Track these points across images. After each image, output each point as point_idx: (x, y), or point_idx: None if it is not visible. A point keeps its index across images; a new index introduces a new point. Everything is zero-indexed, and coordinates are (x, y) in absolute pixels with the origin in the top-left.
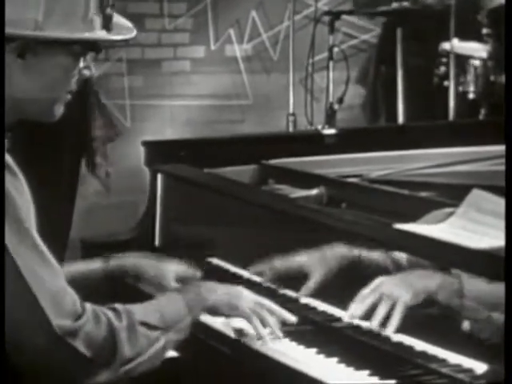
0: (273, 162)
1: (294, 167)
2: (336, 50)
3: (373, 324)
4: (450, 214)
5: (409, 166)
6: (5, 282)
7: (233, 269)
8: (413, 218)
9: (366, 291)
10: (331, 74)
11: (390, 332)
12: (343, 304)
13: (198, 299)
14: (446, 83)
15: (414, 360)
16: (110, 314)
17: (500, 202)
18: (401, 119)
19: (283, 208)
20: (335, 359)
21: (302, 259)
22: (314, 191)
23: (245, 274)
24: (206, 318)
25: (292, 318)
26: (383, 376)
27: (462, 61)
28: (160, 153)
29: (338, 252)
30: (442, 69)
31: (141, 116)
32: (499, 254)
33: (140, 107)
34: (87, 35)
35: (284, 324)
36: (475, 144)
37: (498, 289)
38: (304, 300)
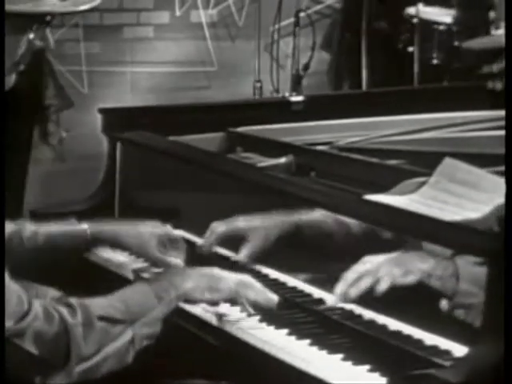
0: (240, 129)
1: (262, 135)
2: (302, 15)
3: (352, 292)
4: (422, 184)
5: (377, 133)
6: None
7: (200, 241)
8: (383, 187)
9: (353, 268)
10: (297, 41)
11: (377, 292)
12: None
13: (169, 288)
14: (410, 49)
15: (389, 341)
16: (64, 310)
17: (473, 172)
18: (364, 86)
19: (251, 177)
20: (307, 341)
21: (241, 223)
22: (283, 159)
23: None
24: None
25: (275, 298)
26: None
27: (427, 26)
28: (120, 120)
29: (277, 217)
30: (407, 34)
31: (99, 82)
32: (473, 227)
33: (98, 74)
34: (31, 7)
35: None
36: (440, 110)
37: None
38: (274, 276)
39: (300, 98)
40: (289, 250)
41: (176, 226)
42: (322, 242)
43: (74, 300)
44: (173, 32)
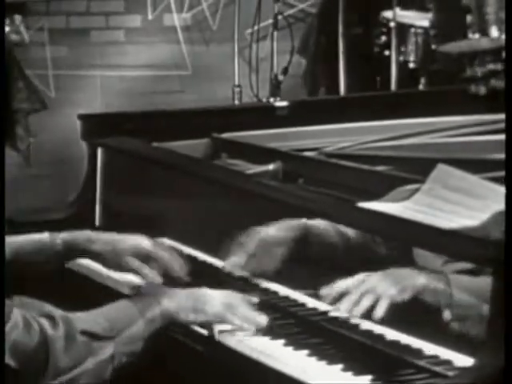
0: (225, 135)
1: (247, 141)
2: (279, 18)
3: (354, 314)
4: (415, 191)
5: (364, 139)
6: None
7: (186, 250)
8: (374, 194)
9: (347, 284)
10: (275, 44)
11: (374, 322)
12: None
13: (153, 307)
14: (386, 53)
15: (389, 352)
16: (45, 321)
17: (466, 178)
18: (342, 90)
19: (239, 184)
20: (305, 351)
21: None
22: (271, 166)
23: (199, 255)
24: None
25: (264, 320)
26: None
27: (403, 30)
28: (100, 126)
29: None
30: (383, 38)
31: (67, 86)
32: (470, 234)
33: (65, 77)
34: None
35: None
36: (423, 115)
37: (486, 282)
38: (266, 285)
39: (284, 104)
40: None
41: (160, 234)
42: (325, 253)
43: (56, 312)
44: (145, 36)
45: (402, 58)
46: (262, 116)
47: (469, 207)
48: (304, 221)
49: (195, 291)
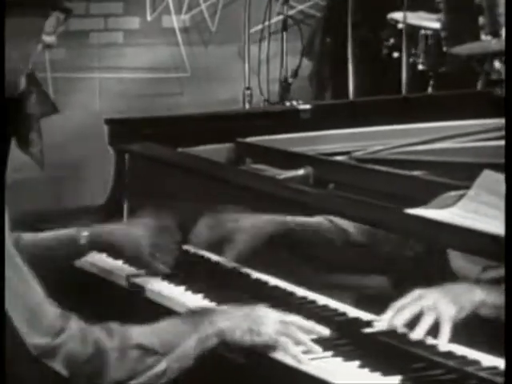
0: (249, 139)
1: (271, 145)
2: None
3: (416, 335)
4: (460, 197)
5: (395, 143)
6: (4, 285)
7: (214, 257)
8: (410, 199)
9: (405, 301)
10: (284, 45)
11: (441, 348)
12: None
13: (207, 325)
14: (395, 54)
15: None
16: (100, 332)
17: None
18: (351, 93)
19: (271, 190)
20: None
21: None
22: (301, 171)
23: (229, 264)
24: None
25: (325, 331)
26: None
27: (412, 31)
28: (125, 131)
29: (270, 218)
30: (391, 40)
31: (65, 89)
32: None
33: (64, 80)
34: None
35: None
36: (450, 118)
37: None
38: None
39: (308, 107)
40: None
41: (186, 241)
42: (318, 248)
43: (112, 325)
44: (144, 37)
45: (411, 60)
46: (286, 119)
47: None
48: (287, 218)
49: (252, 312)
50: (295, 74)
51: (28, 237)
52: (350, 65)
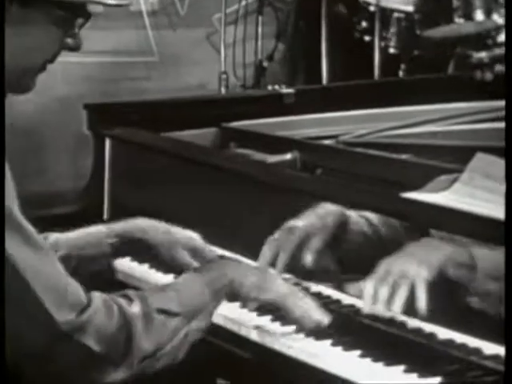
0: (234, 124)
1: (255, 129)
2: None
3: (395, 310)
4: (453, 181)
5: (381, 126)
6: (4, 281)
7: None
8: (402, 184)
9: (376, 280)
10: (260, 30)
11: (421, 315)
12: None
13: (223, 280)
14: (366, 38)
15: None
16: (122, 301)
17: None
18: (325, 77)
19: (259, 174)
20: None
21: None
22: (288, 156)
23: (218, 251)
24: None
25: (326, 320)
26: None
27: (384, 14)
28: (107, 116)
29: (330, 208)
30: (363, 23)
31: None
32: None
33: None
34: None
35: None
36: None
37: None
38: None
39: (291, 91)
40: None
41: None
42: (358, 242)
43: (129, 292)
44: (110, 21)
45: (383, 44)
46: (269, 104)
47: None
48: (340, 208)
49: (263, 270)
50: (271, 57)
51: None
52: (323, 48)
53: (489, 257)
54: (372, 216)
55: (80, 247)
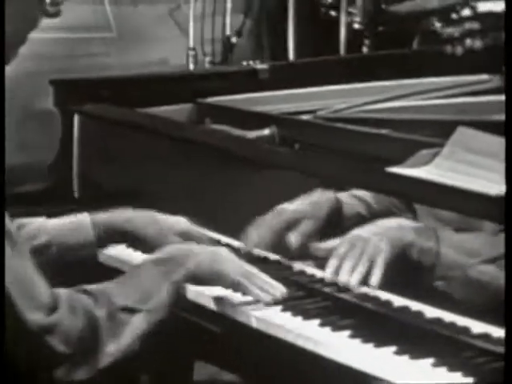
0: (210, 100)
1: (231, 105)
2: None
3: (352, 281)
4: (434, 156)
5: (358, 101)
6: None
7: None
8: (382, 159)
9: (342, 248)
10: (229, 5)
11: (373, 287)
12: None
13: (177, 269)
14: (333, 13)
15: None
16: (86, 300)
17: (493, 141)
18: (292, 53)
19: (239, 149)
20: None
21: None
22: (266, 131)
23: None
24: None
25: (283, 289)
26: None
27: None
28: (76, 92)
29: (324, 195)
30: None
31: None
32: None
33: None
34: None
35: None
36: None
37: (473, 239)
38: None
39: (266, 66)
40: None
41: (148, 206)
42: (353, 223)
43: (93, 288)
44: None
45: (349, 19)
46: (244, 79)
47: (501, 171)
48: (333, 194)
49: (216, 251)
50: (239, 33)
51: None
52: (290, 24)
53: (456, 241)
54: (362, 194)
55: (62, 235)
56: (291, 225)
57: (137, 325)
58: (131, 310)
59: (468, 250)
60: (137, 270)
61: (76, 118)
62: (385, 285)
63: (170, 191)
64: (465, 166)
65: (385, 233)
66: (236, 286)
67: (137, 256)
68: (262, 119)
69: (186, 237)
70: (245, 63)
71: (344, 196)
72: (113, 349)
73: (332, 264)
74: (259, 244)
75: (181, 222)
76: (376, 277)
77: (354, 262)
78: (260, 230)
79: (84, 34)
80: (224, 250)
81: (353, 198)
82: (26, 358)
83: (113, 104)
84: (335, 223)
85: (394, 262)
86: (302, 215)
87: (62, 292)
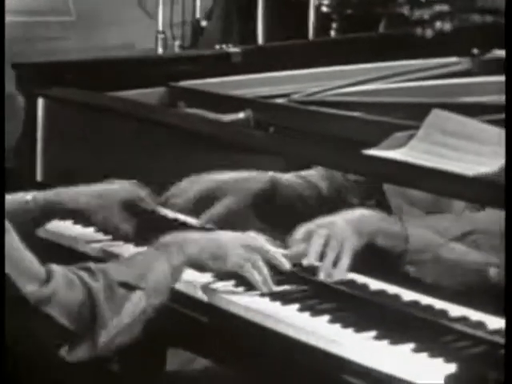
0: (183, 83)
1: (204, 89)
2: None
3: (321, 275)
4: (409, 138)
5: (332, 84)
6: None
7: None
8: (357, 142)
9: (306, 233)
10: None
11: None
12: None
13: (177, 253)
14: None
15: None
16: (84, 274)
17: (467, 123)
18: (260, 36)
19: (214, 132)
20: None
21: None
22: (241, 114)
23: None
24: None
25: (287, 265)
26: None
27: None
28: (39, 76)
29: (252, 175)
30: None
31: None
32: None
33: None
34: None
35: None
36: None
37: (442, 219)
38: None
39: (238, 50)
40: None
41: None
42: (294, 205)
43: (91, 264)
44: None
45: (317, 3)
46: (217, 63)
47: (476, 153)
48: (271, 173)
49: (217, 237)
50: (208, 16)
51: None
52: (259, 7)
53: (424, 224)
54: (313, 176)
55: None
56: (212, 193)
57: (136, 301)
58: (130, 287)
59: (438, 229)
60: (140, 253)
61: (40, 102)
62: (359, 272)
63: (141, 176)
64: (440, 148)
65: (350, 222)
66: (239, 269)
67: (76, 229)
68: (237, 103)
69: (130, 207)
70: (217, 47)
71: (290, 177)
72: (114, 323)
73: (295, 251)
74: (184, 209)
75: (120, 191)
76: (342, 267)
77: (322, 251)
78: (183, 195)
79: (42, 17)
80: (225, 235)
81: (297, 179)
82: (33, 338)
83: (79, 88)
84: (267, 202)
85: (361, 250)
86: (226, 186)
87: (56, 267)
